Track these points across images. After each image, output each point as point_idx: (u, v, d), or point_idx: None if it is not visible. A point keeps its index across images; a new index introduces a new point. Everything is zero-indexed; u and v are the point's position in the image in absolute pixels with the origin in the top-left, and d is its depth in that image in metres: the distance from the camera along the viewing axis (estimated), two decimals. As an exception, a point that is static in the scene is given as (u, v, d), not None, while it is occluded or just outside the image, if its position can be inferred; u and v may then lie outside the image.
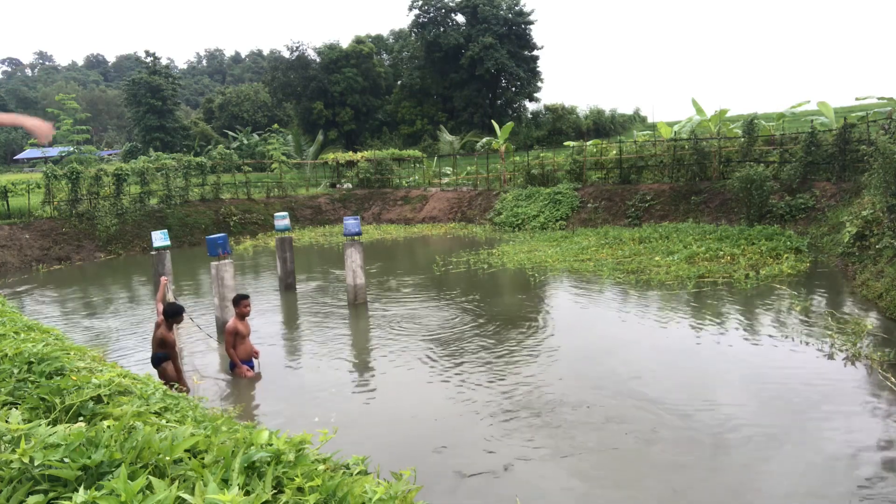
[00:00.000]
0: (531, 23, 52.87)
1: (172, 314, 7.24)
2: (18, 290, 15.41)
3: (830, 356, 7.90)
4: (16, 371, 2.88)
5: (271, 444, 2.06)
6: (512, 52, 51.81)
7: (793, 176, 18.29)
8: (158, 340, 7.15)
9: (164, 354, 7.09)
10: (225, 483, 1.79)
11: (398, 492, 1.89)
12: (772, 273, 12.54)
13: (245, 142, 49.23)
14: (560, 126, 49.67)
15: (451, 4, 53.30)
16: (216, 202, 25.20)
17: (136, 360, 8.78)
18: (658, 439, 5.85)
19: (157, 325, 7.24)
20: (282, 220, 14.09)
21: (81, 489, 1.58)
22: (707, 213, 19.64)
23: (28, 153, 61.92)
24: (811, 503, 4.79)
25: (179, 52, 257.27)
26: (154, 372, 6.97)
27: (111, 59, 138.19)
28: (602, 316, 10.46)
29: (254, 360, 8.21)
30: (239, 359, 7.94)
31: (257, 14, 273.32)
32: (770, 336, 8.86)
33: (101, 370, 3.33)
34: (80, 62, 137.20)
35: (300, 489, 1.82)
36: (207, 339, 9.71)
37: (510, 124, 31.42)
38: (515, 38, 52.48)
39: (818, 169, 18.35)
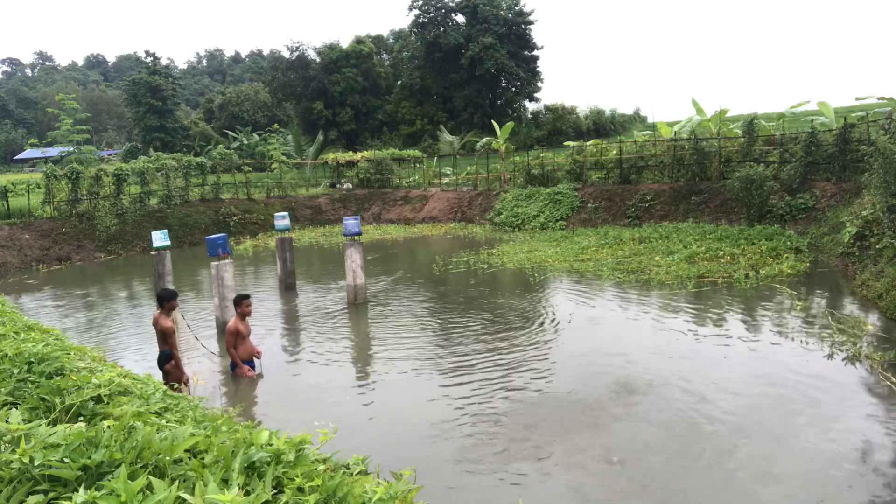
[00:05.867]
0: (531, 23, 52.91)
1: (166, 298, 7.26)
2: (18, 290, 15.41)
3: (830, 356, 7.90)
4: (16, 371, 2.88)
5: (271, 444, 2.06)
6: (512, 52, 51.84)
7: (793, 176, 18.29)
8: (159, 332, 7.16)
9: (169, 352, 7.09)
10: (225, 483, 1.79)
11: (398, 492, 1.89)
12: (772, 273, 12.53)
13: (245, 142, 49.22)
14: (560, 126, 49.66)
15: (451, 4, 53.32)
16: (216, 202, 25.20)
17: (136, 360, 8.79)
18: (659, 440, 5.85)
19: (155, 321, 7.23)
20: (282, 220, 14.10)
21: (81, 489, 1.58)
22: (707, 213, 19.63)
23: (28, 153, 61.97)
24: (811, 503, 4.79)
25: (179, 52, 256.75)
26: (159, 374, 6.97)
27: (111, 59, 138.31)
28: (602, 316, 10.45)
29: (255, 360, 8.22)
30: (240, 359, 7.95)
31: (257, 14, 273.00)
32: (770, 336, 8.86)
33: (101, 370, 3.33)
34: (80, 62, 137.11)
35: (300, 489, 1.82)
36: (207, 339, 9.70)
37: (510, 124, 31.43)
38: (515, 38, 52.49)
39: (818, 169, 18.35)
